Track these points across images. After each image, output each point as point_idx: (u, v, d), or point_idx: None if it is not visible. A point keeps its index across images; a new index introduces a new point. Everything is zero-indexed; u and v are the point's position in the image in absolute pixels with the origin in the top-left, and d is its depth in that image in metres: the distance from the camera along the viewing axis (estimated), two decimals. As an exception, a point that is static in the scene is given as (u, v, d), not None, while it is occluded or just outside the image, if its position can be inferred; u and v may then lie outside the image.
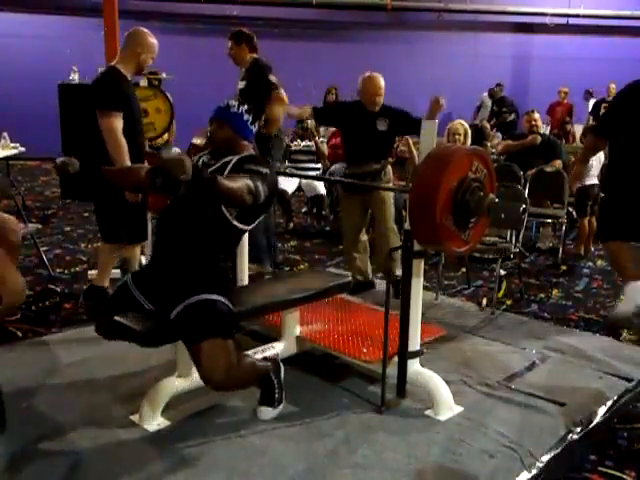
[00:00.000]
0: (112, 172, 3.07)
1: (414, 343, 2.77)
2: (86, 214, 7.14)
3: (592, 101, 11.00)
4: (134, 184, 2.88)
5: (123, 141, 3.46)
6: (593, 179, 5.90)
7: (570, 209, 5.83)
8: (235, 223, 2.54)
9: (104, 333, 2.62)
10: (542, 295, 4.56)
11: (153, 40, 3.68)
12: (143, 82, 4.91)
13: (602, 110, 9.48)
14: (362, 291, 4.24)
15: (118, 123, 3.45)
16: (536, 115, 6.22)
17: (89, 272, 4.79)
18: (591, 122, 8.83)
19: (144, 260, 4.39)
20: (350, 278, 3.45)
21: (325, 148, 6.84)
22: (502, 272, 4.51)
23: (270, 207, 2.70)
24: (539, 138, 5.96)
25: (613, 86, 9.88)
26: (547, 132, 8.49)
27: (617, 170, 3.63)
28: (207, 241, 2.55)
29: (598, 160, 5.95)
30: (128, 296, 2.58)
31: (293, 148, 6.81)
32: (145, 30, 3.70)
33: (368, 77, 4.16)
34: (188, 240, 2.54)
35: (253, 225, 2.68)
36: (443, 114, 10.37)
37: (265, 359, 2.80)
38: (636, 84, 3.55)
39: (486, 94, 11.69)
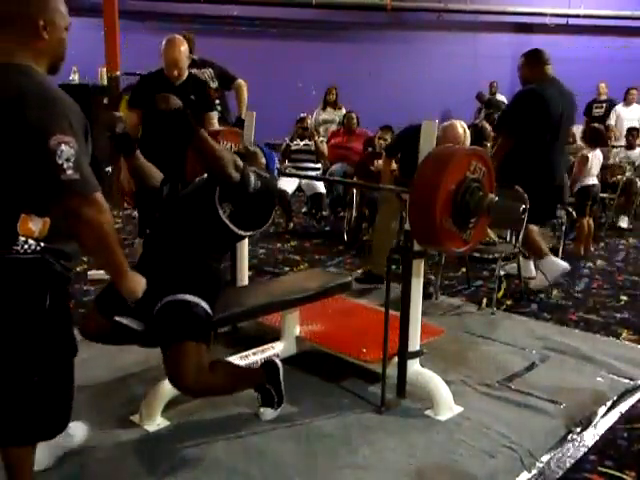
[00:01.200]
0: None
1: (414, 343, 2.77)
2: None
3: None
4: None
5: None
6: (593, 179, 5.90)
7: (570, 209, 5.84)
8: (228, 224, 2.46)
9: (90, 336, 2.54)
10: (542, 295, 4.56)
11: (168, 48, 3.76)
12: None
13: (594, 110, 9.51)
14: (374, 282, 4.34)
15: (130, 120, 3.53)
16: None
17: (89, 272, 4.79)
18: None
19: None
20: (350, 278, 3.44)
21: (325, 148, 6.83)
22: (502, 272, 4.51)
23: (269, 219, 2.65)
24: None
25: (603, 85, 9.79)
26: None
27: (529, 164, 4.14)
28: (197, 240, 2.49)
29: (598, 160, 5.96)
30: (114, 293, 2.53)
31: (293, 148, 6.81)
32: (171, 38, 3.79)
33: (450, 126, 4.18)
34: (178, 238, 2.50)
35: (250, 233, 2.63)
36: (442, 114, 10.41)
37: (259, 365, 2.76)
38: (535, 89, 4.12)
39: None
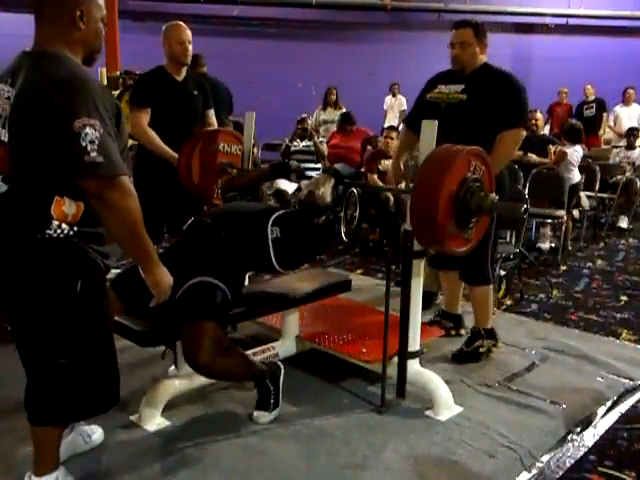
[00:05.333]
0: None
1: (414, 343, 2.77)
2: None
3: None
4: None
5: (150, 132, 3.51)
6: (576, 174, 6.01)
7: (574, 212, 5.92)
8: (270, 246, 2.58)
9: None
10: (542, 295, 4.56)
11: (175, 27, 3.64)
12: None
13: (585, 111, 9.47)
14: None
15: (141, 118, 3.51)
16: (538, 115, 6.44)
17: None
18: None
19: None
20: (350, 278, 3.44)
21: (325, 148, 6.83)
22: (502, 272, 4.51)
23: (298, 265, 2.82)
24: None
25: (589, 87, 9.72)
26: (547, 132, 8.48)
27: None
28: (234, 251, 2.57)
29: (577, 155, 6.03)
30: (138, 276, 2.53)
31: (293, 148, 6.81)
32: (173, 22, 3.73)
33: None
34: (218, 244, 2.56)
35: (278, 268, 2.67)
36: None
37: (262, 363, 2.77)
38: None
39: None
